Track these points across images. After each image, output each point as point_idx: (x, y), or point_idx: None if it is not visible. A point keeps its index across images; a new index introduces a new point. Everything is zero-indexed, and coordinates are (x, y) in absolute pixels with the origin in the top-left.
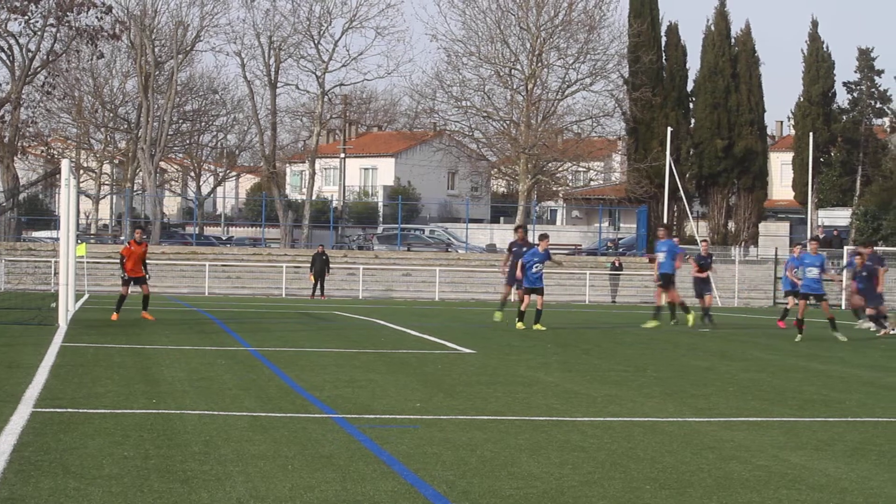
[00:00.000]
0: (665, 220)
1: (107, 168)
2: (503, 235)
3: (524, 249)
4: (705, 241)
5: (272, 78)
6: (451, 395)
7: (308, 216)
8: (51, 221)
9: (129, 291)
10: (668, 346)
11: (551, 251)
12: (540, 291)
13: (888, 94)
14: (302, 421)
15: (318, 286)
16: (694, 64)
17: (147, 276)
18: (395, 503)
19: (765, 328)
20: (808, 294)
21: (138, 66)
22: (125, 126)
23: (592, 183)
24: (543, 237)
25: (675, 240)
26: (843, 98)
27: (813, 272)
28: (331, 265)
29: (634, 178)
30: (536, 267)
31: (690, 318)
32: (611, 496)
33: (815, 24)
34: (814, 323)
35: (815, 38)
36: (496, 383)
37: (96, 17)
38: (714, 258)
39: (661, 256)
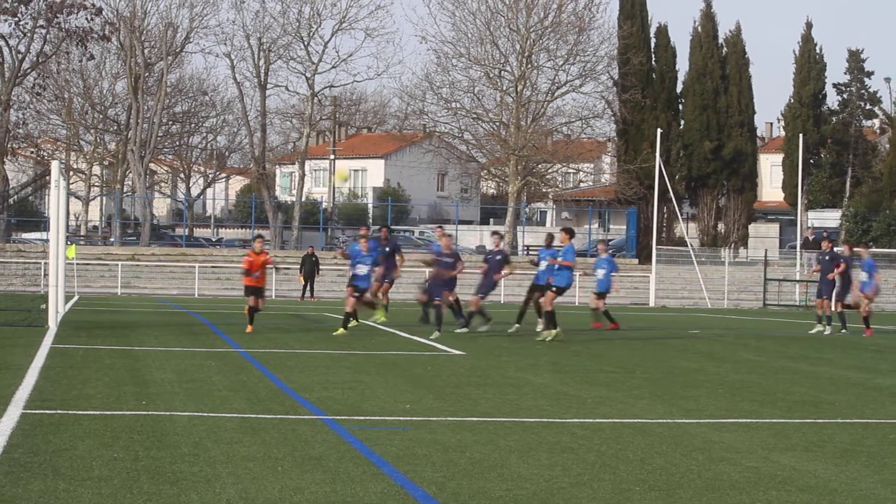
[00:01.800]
0: (655, 222)
1: (96, 170)
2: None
3: (497, 258)
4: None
5: (262, 79)
6: (441, 396)
7: (298, 218)
8: (40, 223)
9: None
10: (658, 348)
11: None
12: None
13: (878, 95)
14: (292, 422)
15: (308, 288)
16: (683, 65)
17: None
18: None
19: (752, 330)
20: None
21: (128, 67)
22: (115, 128)
23: (582, 184)
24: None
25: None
26: (833, 100)
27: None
28: (320, 266)
29: (624, 180)
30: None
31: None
32: (600, 498)
33: (808, 25)
34: (804, 325)
35: (807, 40)
36: (486, 385)
37: (86, 19)
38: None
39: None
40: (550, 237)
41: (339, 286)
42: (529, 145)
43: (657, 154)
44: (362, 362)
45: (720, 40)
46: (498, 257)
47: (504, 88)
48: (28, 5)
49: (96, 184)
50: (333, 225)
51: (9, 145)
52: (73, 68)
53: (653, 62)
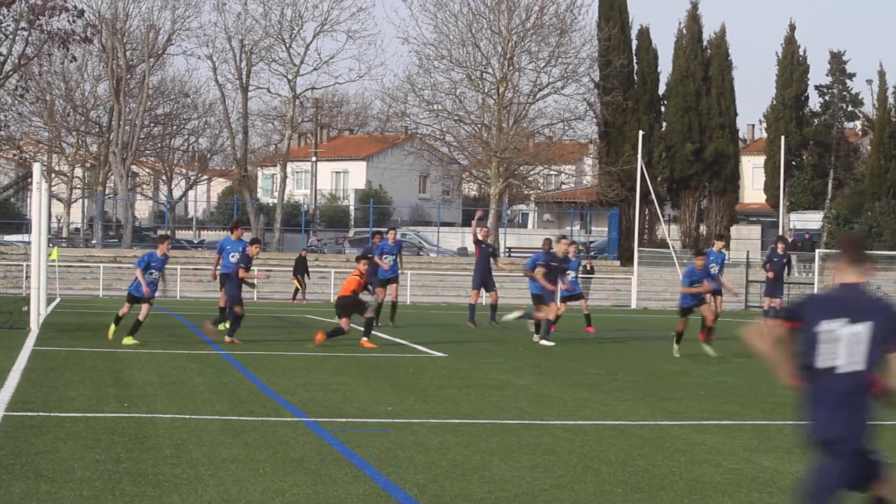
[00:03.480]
0: (637, 224)
1: (78, 172)
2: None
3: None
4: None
5: (244, 81)
6: (423, 398)
7: (280, 220)
8: (22, 225)
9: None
10: (640, 350)
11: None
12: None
13: (860, 97)
14: (273, 424)
15: (300, 290)
16: (666, 67)
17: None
18: None
19: (733, 331)
20: None
21: (110, 69)
22: (97, 130)
23: (564, 186)
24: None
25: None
26: (815, 101)
27: None
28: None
29: (606, 182)
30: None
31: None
32: (582, 500)
33: (792, 27)
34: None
35: (790, 42)
36: (468, 387)
37: (68, 21)
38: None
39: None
40: (549, 243)
41: (320, 288)
42: (511, 147)
43: (639, 156)
44: (344, 364)
45: (704, 42)
46: (490, 249)
47: (486, 90)
48: (10, 7)
49: (78, 186)
50: (315, 227)
51: None
52: (55, 70)
53: (634, 64)
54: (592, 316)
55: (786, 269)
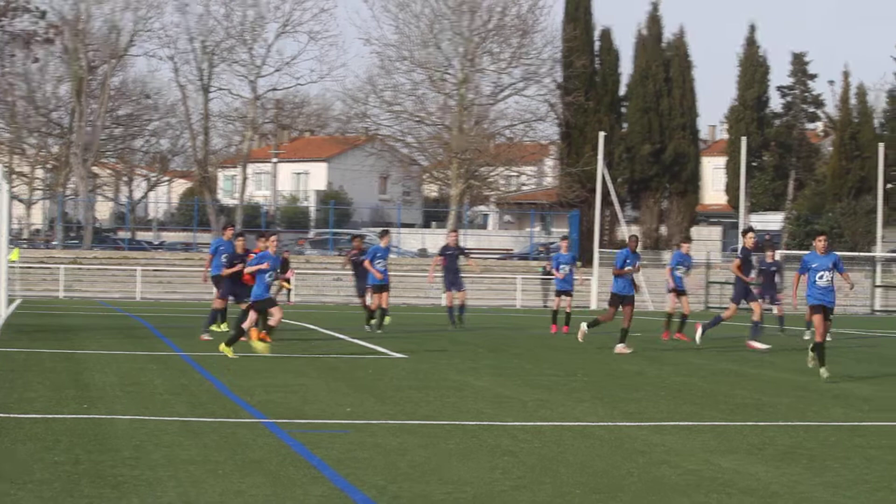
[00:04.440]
0: (597, 225)
1: (39, 173)
2: (435, 240)
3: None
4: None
5: (205, 82)
6: (382, 399)
7: (240, 221)
8: None
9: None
10: (599, 351)
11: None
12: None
13: (821, 98)
14: (232, 426)
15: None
16: (627, 68)
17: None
18: None
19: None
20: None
21: (71, 70)
22: (58, 130)
23: (524, 188)
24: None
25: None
26: (776, 102)
27: None
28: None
29: (566, 183)
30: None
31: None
32: (541, 500)
33: (752, 28)
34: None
35: (751, 43)
36: (427, 388)
37: (30, 22)
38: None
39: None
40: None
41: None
42: (472, 148)
43: (600, 157)
44: (304, 366)
45: (664, 43)
46: (457, 252)
47: (447, 91)
48: None
49: (39, 187)
50: (275, 228)
51: None
52: (16, 71)
53: (596, 65)
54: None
55: (776, 275)
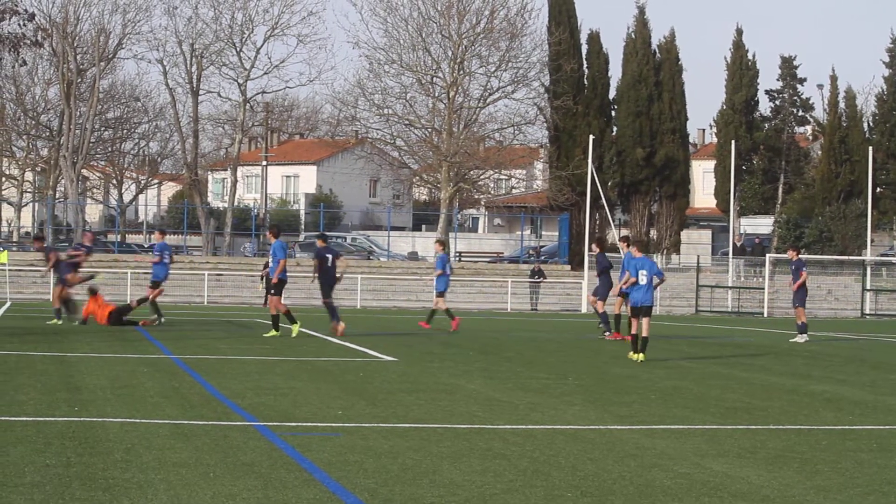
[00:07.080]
0: (587, 229)
1: (29, 176)
2: (425, 243)
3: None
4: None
5: (194, 85)
6: (373, 402)
7: (230, 224)
8: None
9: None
10: (590, 354)
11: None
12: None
13: (810, 102)
14: (223, 429)
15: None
16: (616, 72)
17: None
18: None
19: (685, 336)
20: None
21: (60, 73)
22: (47, 133)
23: (514, 191)
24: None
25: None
26: (765, 106)
27: None
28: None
29: (556, 186)
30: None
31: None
32: None
33: (739, 32)
34: (737, 331)
35: (738, 47)
36: (418, 391)
37: (18, 25)
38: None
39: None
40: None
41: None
42: (461, 151)
43: (589, 160)
44: (295, 369)
45: (654, 47)
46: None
47: (436, 95)
48: None
49: (29, 190)
50: (265, 231)
51: None
52: (5, 74)
53: (585, 68)
54: (548, 321)
55: (798, 273)
